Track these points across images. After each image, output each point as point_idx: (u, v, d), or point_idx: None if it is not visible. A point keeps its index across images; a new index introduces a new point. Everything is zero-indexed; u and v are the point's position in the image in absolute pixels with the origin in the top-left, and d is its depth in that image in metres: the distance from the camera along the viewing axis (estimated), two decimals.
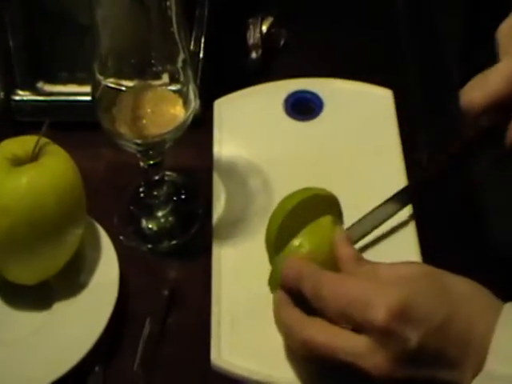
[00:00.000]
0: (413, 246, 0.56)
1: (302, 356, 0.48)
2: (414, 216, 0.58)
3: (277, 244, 0.52)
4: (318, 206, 0.54)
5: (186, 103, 0.54)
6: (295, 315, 0.47)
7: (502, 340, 0.42)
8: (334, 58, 0.69)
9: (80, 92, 0.64)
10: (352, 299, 0.45)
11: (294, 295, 0.48)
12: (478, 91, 0.50)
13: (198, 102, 0.55)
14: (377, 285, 0.46)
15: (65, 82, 0.65)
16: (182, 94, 0.54)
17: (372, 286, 0.46)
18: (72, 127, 0.60)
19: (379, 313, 0.43)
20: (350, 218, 0.56)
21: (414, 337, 0.42)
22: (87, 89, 0.55)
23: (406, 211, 0.58)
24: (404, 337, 0.43)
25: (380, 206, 0.56)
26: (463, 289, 0.45)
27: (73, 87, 0.65)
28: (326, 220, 0.51)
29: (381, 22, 0.72)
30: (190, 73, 0.53)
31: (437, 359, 0.43)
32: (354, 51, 0.69)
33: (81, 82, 0.64)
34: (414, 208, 0.58)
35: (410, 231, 0.57)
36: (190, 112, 0.54)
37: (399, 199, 0.57)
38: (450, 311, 0.43)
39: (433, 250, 0.56)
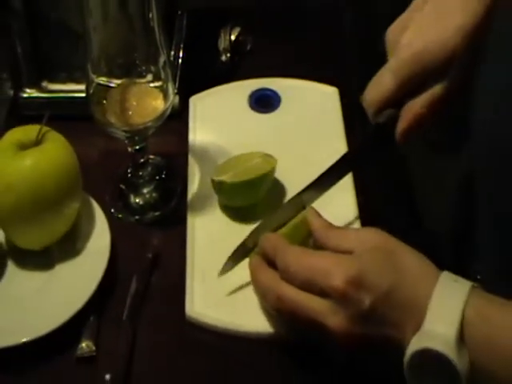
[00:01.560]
0: (352, 211, 0.56)
1: (276, 309, 0.48)
2: (354, 184, 0.57)
3: None
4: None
5: (165, 97, 0.53)
6: (271, 274, 0.48)
7: (438, 304, 0.42)
8: (291, 62, 0.68)
9: (77, 89, 0.63)
10: (316, 269, 0.45)
11: (269, 262, 0.48)
12: (374, 92, 0.49)
13: (175, 96, 0.55)
14: (336, 257, 0.46)
15: (64, 81, 0.64)
16: (162, 90, 0.53)
17: (332, 258, 0.46)
18: (70, 119, 0.58)
19: (338, 280, 0.43)
20: (295, 190, 0.55)
21: (366, 300, 0.43)
22: (82, 87, 0.54)
23: (347, 179, 0.56)
24: (359, 300, 0.43)
25: (324, 173, 0.54)
26: (409, 259, 0.44)
27: (71, 85, 0.64)
28: (303, 214, 0.51)
29: (331, 32, 0.71)
30: (169, 72, 0.53)
31: (385, 319, 0.43)
32: (307, 56, 0.69)
33: (77, 81, 0.63)
34: (354, 178, 0.57)
35: (350, 196, 0.57)
36: (168, 104, 0.54)
37: (338, 171, 0.55)
38: (396, 279, 0.43)
39: (369, 217, 0.56)
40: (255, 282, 0.50)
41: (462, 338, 0.41)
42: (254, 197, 0.56)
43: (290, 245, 0.49)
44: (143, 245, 0.56)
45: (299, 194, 0.54)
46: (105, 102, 0.53)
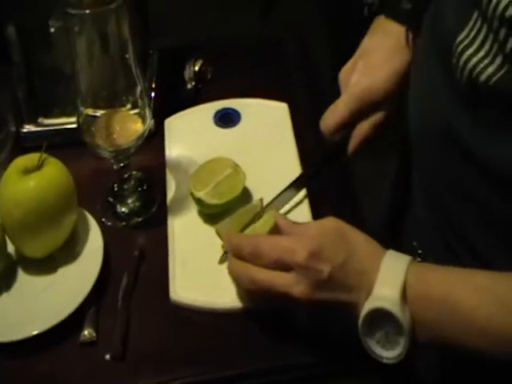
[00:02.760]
0: (307, 215, 0.57)
1: (250, 291, 0.48)
2: (308, 196, 0.58)
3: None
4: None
5: (143, 121, 0.55)
6: (242, 264, 0.48)
7: (385, 272, 0.43)
8: (246, 85, 0.69)
9: (67, 122, 0.64)
10: (283, 249, 0.46)
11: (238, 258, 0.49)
12: (330, 118, 0.54)
13: (151, 120, 0.56)
14: (298, 238, 0.47)
15: (57, 116, 0.65)
16: (141, 116, 0.54)
17: (296, 238, 0.47)
18: (63, 146, 0.58)
19: (301, 255, 0.44)
20: (257, 191, 0.58)
21: (325, 270, 0.44)
22: (72, 119, 0.55)
23: (302, 193, 0.58)
24: (319, 270, 0.44)
25: (284, 190, 0.57)
26: (359, 238, 0.46)
27: (63, 119, 0.65)
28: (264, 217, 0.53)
29: (278, 59, 0.73)
30: (146, 100, 0.54)
31: (341, 286, 0.44)
32: (258, 79, 0.70)
33: (68, 115, 0.64)
34: (307, 191, 0.58)
35: (305, 208, 0.58)
36: (146, 127, 0.55)
37: (296, 185, 0.58)
38: (349, 253, 0.45)
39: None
40: (231, 272, 0.50)
41: (404, 298, 0.42)
42: (227, 208, 0.56)
43: (253, 235, 0.50)
44: (130, 245, 0.56)
45: (264, 207, 0.55)
46: (93, 128, 0.54)
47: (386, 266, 0.44)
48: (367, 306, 0.43)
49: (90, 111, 0.54)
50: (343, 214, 0.48)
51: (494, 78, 0.39)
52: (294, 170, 0.61)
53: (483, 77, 0.40)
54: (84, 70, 0.51)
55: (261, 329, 0.51)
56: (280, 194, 0.57)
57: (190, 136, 0.65)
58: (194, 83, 0.69)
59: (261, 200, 0.57)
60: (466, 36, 0.41)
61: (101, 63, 0.52)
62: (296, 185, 0.58)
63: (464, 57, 0.41)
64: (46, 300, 0.52)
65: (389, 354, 0.43)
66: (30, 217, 0.52)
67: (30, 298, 0.53)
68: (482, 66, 0.40)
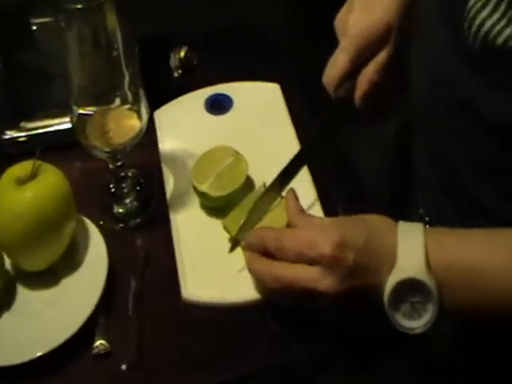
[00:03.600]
0: (311, 192, 0.56)
1: (274, 289, 0.46)
2: (309, 171, 0.57)
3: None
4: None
5: (139, 117, 0.52)
6: (264, 261, 0.47)
7: (403, 244, 0.43)
8: (234, 69, 0.66)
9: (53, 124, 0.60)
10: (305, 242, 0.44)
11: (259, 253, 0.48)
12: (332, 69, 0.50)
13: (148, 113, 0.53)
14: (318, 229, 0.46)
15: (40, 119, 0.61)
16: (136, 111, 0.51)
17: (315, 231, 0.45)
18: (50, 150, 0.54)
19: (325, 248, 0.43)
20: (259, 177, 0.56)
21: (350, 257, 0.43)
22: (57, 121, 0.52)
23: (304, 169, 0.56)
24: (344, 259, 0.43)
25: (284, 170, 0.54)
26: (373, 220, 0.45)
27: (46, 121, 0.60)
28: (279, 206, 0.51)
29: (266, 39, 0.70)
30: (141, 94, 0.51)
31: (366, 269, 0.43)
32: (246, 62, 0.67)
33: (52, 117, 0.60)
34: (308, 166, 0.57)
35: (308, 181, 0.57)
36: (143, 122, 0.52)
37: (297, 163, 0.54)
38: (368, 235, 0.44)
39: (324, 196, 0.56)
40: (251, 271, 0.49)
41: (428, 264, 0.42)
42: (232, 199, 0.54)
43: (275, 229, 0.48)
44: (134, 247, 0.54)
45: (270, 186, 0.53)
46: (87, 128, 0.51)
47: (403, 238, 0.43)
48: (393, 280, 0.42)
49: (83, 110, 0.51)
50: (347, 190, 0.46)
51: None
52: (293, 150, 0.58)
53: (500, 40, 0.39)
54: (75, 68, 0.49)
55: (278, 321, 0.49)
56: (281, 174, 0.53)
57: (183, 126, 0.63)
58: (180, 71, 0.67)
59: (264, 185, 0.54)
60: None
61: (92, 59, 0.49)
62: (297, 162, 0.54)
63: (477, 21, 0.41)
64: (51, 316, 0.50)
65: (416, 323, 0.43)
66: (30, 228, 0.49)
67: (34, 316, 0.50)
68: (498, 28, 0.40)
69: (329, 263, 0.43)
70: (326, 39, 0.53)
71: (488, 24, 0.40)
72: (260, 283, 0.49)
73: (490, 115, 0.43)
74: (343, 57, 0.49)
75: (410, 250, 0.43)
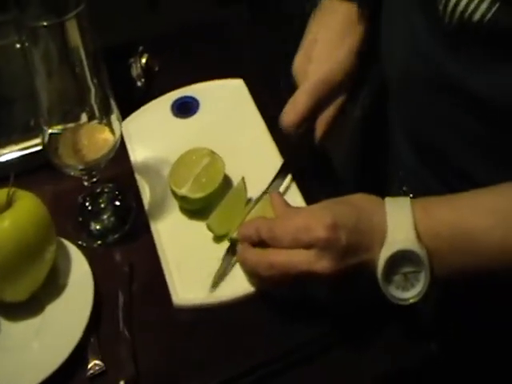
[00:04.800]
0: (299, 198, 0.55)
1: (269, 276, 0.45)
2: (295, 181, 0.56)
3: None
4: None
5: (111, 130, 0.50)
6: (257, 250, 0.47)
7: (392, 218, 0.43)
8: (196, 71, 0.65)
9: (16, 149, 0.57)
10: (298, 228, 0.44)
11: (251, 244, 0.47)
12: (291, 112, 0.53)
13: (121, 125, 0.51)
14: (308, 215, 0.45)
15: (2, 146, 0.57)
16: (105, 124, 0.49)
17: (306, 217, 0.45)
18: (17, 174, 0.53)
19: (319, 230, 0.43)
20: (236, 173, 0.54)
21: (343, 238, 0.43)
22: (22, 145, 0.49)
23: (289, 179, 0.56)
24: (338, 239, 0.43)
25: (273, 180, 0.55)
26: (360, 199, 0.45)
27: (10, 147, 0.57)
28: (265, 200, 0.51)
29: (225, 39, 0.69)
30: (113, 106, 0.49)
31: (359, 247, 0.43)
32: (207, 63, 0.66)
33: (16, 142, 0.57)
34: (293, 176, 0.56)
35: (295, 189, 0.55)
36: (117, 134, 0.50)
37: (282, 174, 0.56)
38: (358, 214, 0.44)
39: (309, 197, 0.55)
40: (245, 262, 0.48)
41: (418, 235, 0.42)
42: (212, 199, 0.53)
43: (267, 219, 0.48)
44: (118, 262, 0.52)
45: (257, 199, 0.53)
46: (59, 147, 0.49)
47: (391, 213, 0.43)
48: (385, 254, 0.43)
49: (53, 129, 0.49)
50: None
51: (489, 15, 0.39)
52: (267, 143, 0.59)
53: (476, 16, 0.40)
54: (43, 87, 0.46)
55: (271, 313, 0.48)
56: (268, 188, 0.54)
57: (152, 134, 0.61)
58: (143, 80, 0.65)
59: (243, 179, 0.53)
60: None
61: (58, 76, 0.47)
62: (281, 174, 0.56)
63: (452, 1, 0.41)
64: (39, 345, 0.47)
65: (409, 294, 0.43)
66: (10, 259, 0.46)
67: (19, 348, 0.47)
68: (473, 5, 0.40)
69: (323, 245, 0.43)
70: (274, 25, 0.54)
71: (463, 2, 0.40)
72: (254, 274, 0.47)
73: (470, 89, 0.42)
74: (305, 99, 0.53)
75: (399, 223, 0.43)
